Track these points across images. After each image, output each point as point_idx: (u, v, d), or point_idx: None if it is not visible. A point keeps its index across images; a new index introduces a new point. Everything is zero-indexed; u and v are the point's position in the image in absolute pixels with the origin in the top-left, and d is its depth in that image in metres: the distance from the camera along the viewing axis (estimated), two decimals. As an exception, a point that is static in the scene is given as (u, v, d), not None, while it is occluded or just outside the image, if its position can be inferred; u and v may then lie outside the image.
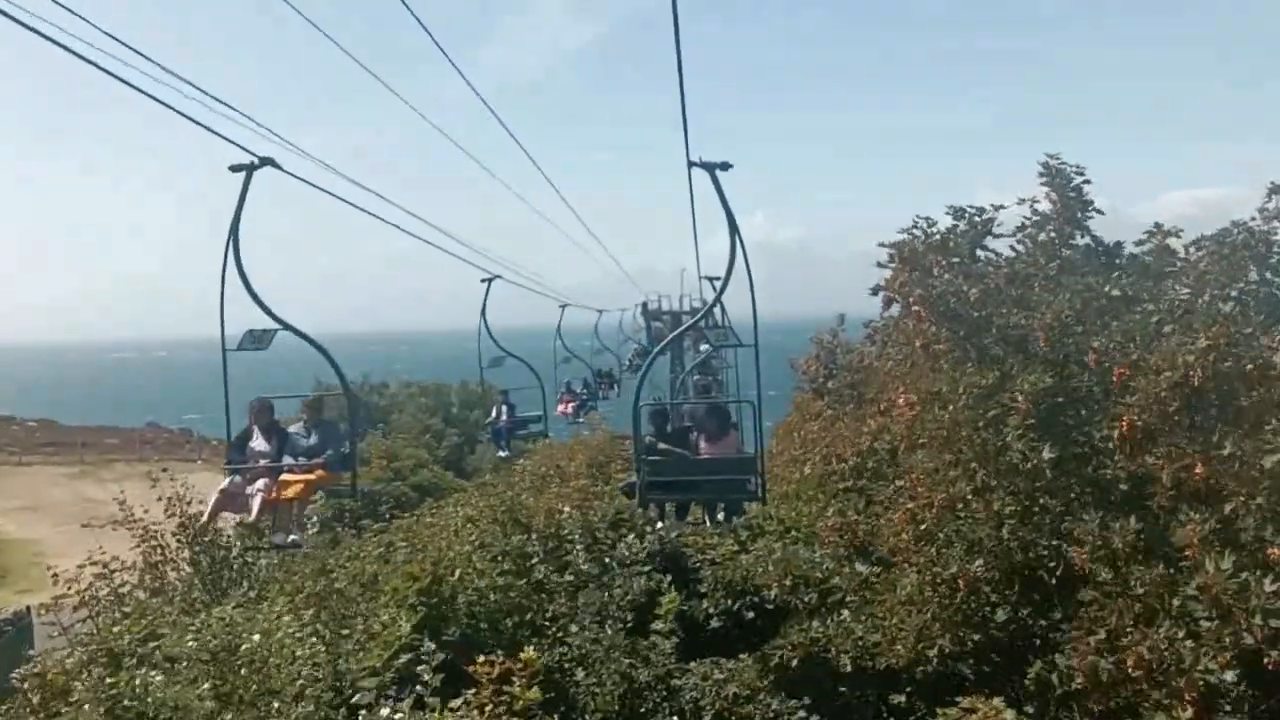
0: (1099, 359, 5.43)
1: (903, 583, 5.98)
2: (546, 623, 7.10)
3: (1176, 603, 4.76)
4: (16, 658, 9.67)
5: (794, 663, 6.52)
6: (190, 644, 6.18)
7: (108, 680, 5.83)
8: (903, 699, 6.16)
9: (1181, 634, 4.64)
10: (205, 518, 9.71)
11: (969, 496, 5.63)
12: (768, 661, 6.66)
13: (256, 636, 6.25)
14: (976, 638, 5.76)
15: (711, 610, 7.60)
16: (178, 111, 6.30)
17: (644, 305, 32.47)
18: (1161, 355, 5.12)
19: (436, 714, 4.85)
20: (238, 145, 7.31)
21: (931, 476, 5.82)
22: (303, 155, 7.71)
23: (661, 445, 10.76)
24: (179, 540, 10.08)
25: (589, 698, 6.40)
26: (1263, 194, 5.79)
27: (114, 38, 5.49)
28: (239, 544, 10.70)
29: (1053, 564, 5.43)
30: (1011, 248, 6.51)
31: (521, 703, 4.68)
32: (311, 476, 9.24)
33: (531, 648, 5.22)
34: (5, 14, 4.73)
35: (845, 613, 6.54)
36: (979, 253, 6.47)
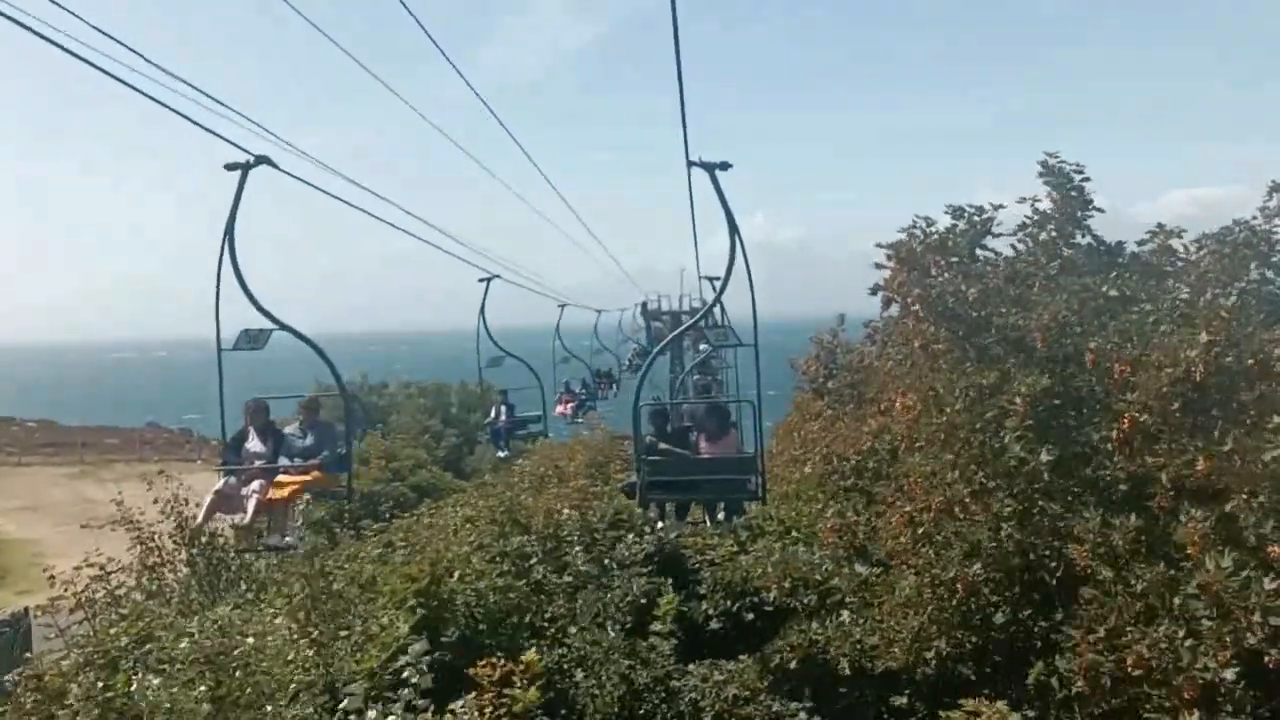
0: (1096, 359, 5.42)
1: (901, 585, 5.96)
2: (545, 624, 7.07)
3: (1177, 601, 4.73)
4: (15, 659, 9.62)
5: (793, 664, 6.50)
6: (183, 646, 6.14)
7: (101, 684, 5.78)
8: (904, 701, 6.13)
9: (1182, 633, 4.61)
10: (200, 519, 9.67)
11: (967, 499, 5.61)
12: (767, 663, 6.64)
13: (250, 639, 6.22)
14: (975, 640, 5.74)
15: (711, 612, 7.57)
16: (176, 112, 6.32)
17: (643, 305, 32.51)
18: (1163, 350, 5.11)
19: (429, 715, 4.83)
20: (236, 145, 7.32)
21: (929, 479, 5.80)
22: (301, 155, 7.71)
23: (661, 445, 10.75)
24: (175, 541, 10.05)
25: (588, 699, 6.38)
26: (1264, 193, 5.80)
27: (113, 38, 5.48)
28: (235, 545, 10.66)
29: (1053, 564, 5.41)
30: (1012, 246, 6.49)
31: (521, 705, 4.66)
32: (307, 477, 9.22)
33: (532, 649, 5.19)
34: (5, 15, 4.71)
35: (844, 614, 6.51)
36: (978, 252, 6.44)
